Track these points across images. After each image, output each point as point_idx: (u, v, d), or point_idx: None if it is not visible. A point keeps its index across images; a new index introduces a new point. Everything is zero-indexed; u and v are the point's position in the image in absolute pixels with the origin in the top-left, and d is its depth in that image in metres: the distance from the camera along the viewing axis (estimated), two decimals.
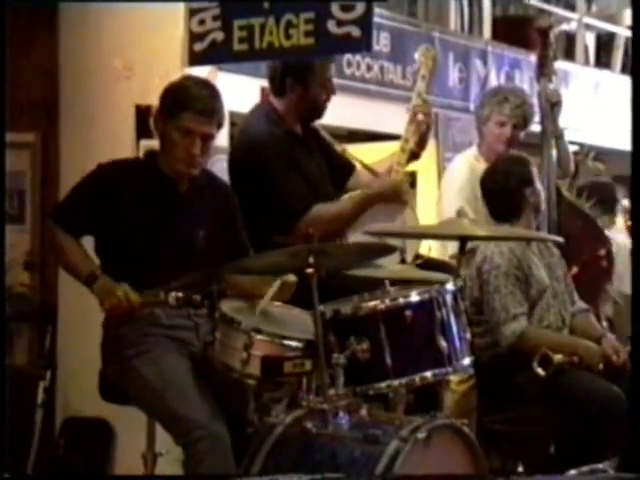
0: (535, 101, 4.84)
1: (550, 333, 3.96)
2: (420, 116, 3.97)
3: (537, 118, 4.89)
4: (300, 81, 3.89)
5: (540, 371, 3.74)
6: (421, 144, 4.02)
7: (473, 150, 4.80)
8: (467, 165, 4.70)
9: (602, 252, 4.85)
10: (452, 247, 4.27)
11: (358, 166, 4.14)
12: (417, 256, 3.84)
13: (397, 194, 3.93)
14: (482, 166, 4.66)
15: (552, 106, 4.79)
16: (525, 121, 4.72)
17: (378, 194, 3.90)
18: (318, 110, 3.98)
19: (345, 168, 4.13)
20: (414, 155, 4.02)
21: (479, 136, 4.81)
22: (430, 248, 3.83)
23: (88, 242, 3.33)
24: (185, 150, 3.24)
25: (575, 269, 4.49)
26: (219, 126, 3.31)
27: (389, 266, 3.41)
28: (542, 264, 4.05)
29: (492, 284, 3.93)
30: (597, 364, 3.86)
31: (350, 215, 3.84)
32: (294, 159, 3.87)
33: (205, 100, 3.27)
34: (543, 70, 4.98)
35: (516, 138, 4.70)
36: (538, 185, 4.11)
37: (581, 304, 4.19)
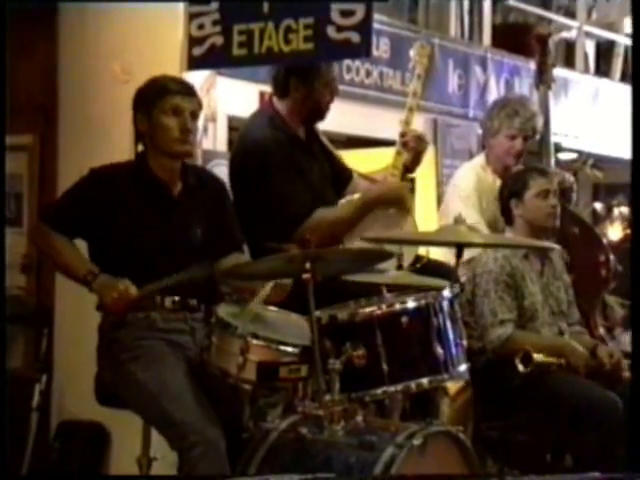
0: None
1: (535, 336, 3.96)
2: (412, 143, 3.98)
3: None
4: (304, 81, 3.88)
5: (521, 368, 3.75)
6: (415, 163, 4.03)
7: (481, 159, 4.79)
8: (474, 174, 4.70)
9: (601, 259, 4.85)
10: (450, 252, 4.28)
11: (355, 174, 4.14)
12: (417, 258, 3.84)
13: (397, 198, 3.91)
14: (489, 176, 4.68)
15: (563, 191, 4.76)
16: (534, 132, 4.71)
17: (378, 197, 3.89)
18: (321, 111, 3.96)
19: (344, 175, 4.13)
20: (407, 170, 4.03)
21: (486, 147, 4.78)
22: (428, 251, 3.84)
23: (82, 249, 3.34)
24: (178, 128, 3.28)
25: (573, 277, 4.50)
26: (199, 106, 3.37)
27: (386, 272, 3.40)
28: (539, 283, 4.06)
29: (482, 288, 3.95)
30: (582, 366, 3.86)
31: (350, 219, 3.83)
32: (296, 164, 3.86)
33: (179, 81, 3.39)
34: (542, 77, 4.99)
35: (525, 150, 4.70)
36: (534, 200, 4.08)
37: (576, 327, 4.20)
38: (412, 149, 3.99)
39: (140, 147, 3.38)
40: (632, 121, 3.25)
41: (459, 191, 4.67)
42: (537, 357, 3.75)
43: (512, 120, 4.62)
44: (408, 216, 4.01)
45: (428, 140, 4.14)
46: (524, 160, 4.74)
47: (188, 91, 3.34)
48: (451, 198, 4.74)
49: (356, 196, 3.92)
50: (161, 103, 3.28)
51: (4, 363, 3.64)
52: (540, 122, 4.74)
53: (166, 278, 3.15)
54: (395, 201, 3.92)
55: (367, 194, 3.90)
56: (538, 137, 4.86)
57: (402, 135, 4.01)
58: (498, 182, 4.63)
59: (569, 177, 5.03)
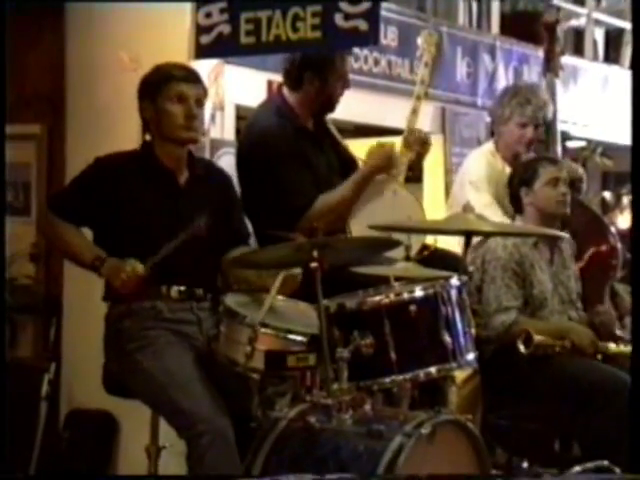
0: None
1: (539, 323, 3.95)
2: (415, 146, 3.99)
3: None
4: (319, 75, 3.89)
5: (522, 349, 3.74)
6: (417, 162, 4.08)
7: (490, 146, 4.78)
8: (485, 160, 4.69)
9: (606, 248, 4.84)
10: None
11: (360, 163, 4.14)
12: (424, 247, 3.83)
13: (390, 163, 3.90)
14: (498, 163, 4.68)
15: (573, 182, 4.74)
16: (545, 120, 4.70)
17: (372, 168, 3.89)
18: (332, 104, 3.99)
19: (349, 164, 4.13)
20: (409, 168, 4.04)
21: (496, 135, 4.77)
22: (436, 239, 3.83)
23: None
24: (183, 115, 3.28)
25: (581, 264, 4.49)
26: (205, 93, 3.38)
27: (394, 263, 3.40)
28: (549, 271, 4.05)
29: (490, 274, 3.95)
30: (588, 346, 3.86)
31: (352, 197, 3.84)
32: (302, 154, 3.86)
33: (183, 68, 3.40)
34: (550, 65, 4.97)
35: (536, 138, 4.68)
36: (544, 188, 4.07)
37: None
38: (415, 151, 4.01)
39: (148, 137, 3.38)
40: (632, 108, 3.23)
41: (470, 176, 4.66)
42: (538, 338, 3.75)
43: (524, 108, 4.61)
44: (415, 204, 4.01)
45: (431, 142, 4.15)
46: (536, 149, 4.73)
47: (193, 78, 3.34)
48: (462, 184, 4.73)
49: (353, 175, 3.93)
50: (166, 90, 3.28)
51: (4, 356, 3.64)
52: (551, 110, 4.73)
53: (165, 246, 3.13)
54: (389, 167, 3.92)
55: (363, 169, 3.91)
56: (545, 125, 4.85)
57: (408, 132, 4.01)
58: (507, 169, 4.62)
59: (577, 167, 5.01)
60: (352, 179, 3.88)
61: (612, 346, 3.96)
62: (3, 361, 3.51)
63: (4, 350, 3.62)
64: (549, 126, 4.86)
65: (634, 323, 3.21)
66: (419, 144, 4.03)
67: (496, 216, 4.45)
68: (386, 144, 3.93)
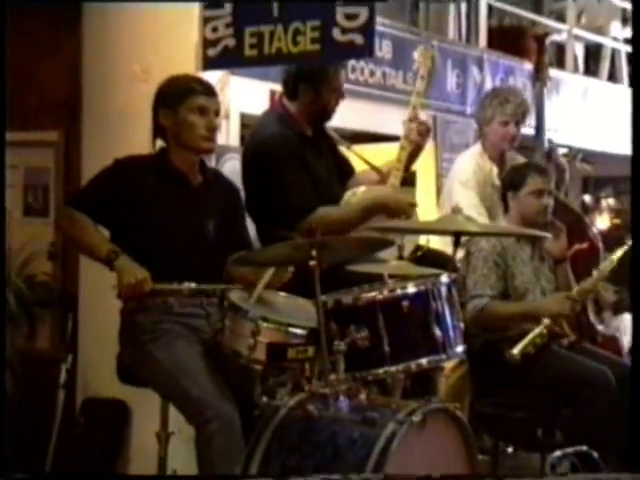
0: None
1: (510, 304, 3.93)
2: (414, 136, 3.94)
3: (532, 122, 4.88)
4: (312, 86, 3.90)
5: (516, 358, 3.70)
6: (412, 158, 4.02)
7: (477, 147, 4.81)
8: (474, 161, 4.72)
9: (588, 246, 4.85)
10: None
11: (357, 170, 4.13)
12: (417, 248, 3.82)
13: (402, 212, 3.81)
14: (486, 163, 4.70)
15: (559, 172, 4.76)
16: (524, 117, 4.72)
17: (381, 205, 3.81)
18: (327, 113, 3.99)
19: (345, 168, 4.12)
20: (411, 157, 4.01)
21: (482, 136, 4.78)
22: (428, 240, 3.82)
23: None
24: (205, 127, 3.29)
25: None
26: (219, 106, 3.39)
27: (387, 262, 3.39)
28: (530, 265, 4.04)
29: (472, 265, 3.94)
30: (562, 308, 3.79)
31: (353, 222, 3.77)
32: (303, 160, 3.86)
33: (202, 82, 3.39)
34: (539, 75, 4.99)
35: (518, 134, 4.70)
36: (528, 197, 4.04)
37: None
38: (413, 142, 3.95)
39: (158, 142, 3.37)
40: (632, 116, 3.21)
41: (459, 177, 4.68)
42: (516, 350, 3.69)
43: (504, 107, 4.64)
44: (394, 187, 3.97)
45: (430, 135, 4.11)
46: (524, 154, 4.74)
47: (211, 92, 3.35)
48: (452, 184, 4.74)
49: (364, 199, 3.86)
50: (187, 102, 3.28)
51: (4, 356, 3.62)
52: (529, 107, 4.74)
53: (179, 285, 3.15)
54: (399, 214, 3.82)
55: (375, 200, 3.82)
56: (534, 132, 4.86)
57: (410, 119, 3.95)
58: (495, 170, 4.65)
59: (563, 161, 5.02)
60: (360, 205, 3.82)
61: (585, 284, 3.89)
62: (3, 361, 3.49)
63: (4, 350, 3.59)
64: (537, 133, 4.87)
65: (634, 323, 3.18)
66: (420, 132, 3.96)
67: (481, 217, 4.45)
68: (410, 199, 3.88)
